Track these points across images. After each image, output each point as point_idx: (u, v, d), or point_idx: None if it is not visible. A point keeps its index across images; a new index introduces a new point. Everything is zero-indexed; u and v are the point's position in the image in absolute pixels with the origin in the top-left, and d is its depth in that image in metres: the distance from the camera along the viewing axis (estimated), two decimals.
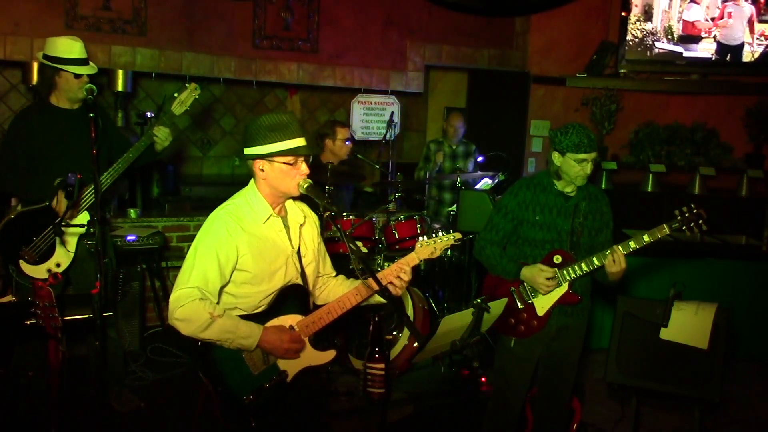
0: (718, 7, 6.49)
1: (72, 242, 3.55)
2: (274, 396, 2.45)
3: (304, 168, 2.43)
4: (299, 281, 2.55)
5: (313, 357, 2.54)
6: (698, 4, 6.50)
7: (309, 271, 2.60)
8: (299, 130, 2.42)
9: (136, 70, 5.40)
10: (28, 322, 2.48)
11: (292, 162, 2.40)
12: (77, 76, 3.50)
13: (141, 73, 5.58)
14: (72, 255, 3.53)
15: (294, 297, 2.51)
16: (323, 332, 2.58)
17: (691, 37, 6.52)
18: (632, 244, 2.89)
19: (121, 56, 5.26)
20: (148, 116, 5.47)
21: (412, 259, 2.57)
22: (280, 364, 2.48)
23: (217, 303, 2.41)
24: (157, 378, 4.28)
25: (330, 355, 2.58)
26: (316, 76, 5.99)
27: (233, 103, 7.36)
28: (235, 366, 2.41)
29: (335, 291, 2.70)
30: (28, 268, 3.45)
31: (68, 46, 3.50)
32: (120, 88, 5.46)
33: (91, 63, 3.58)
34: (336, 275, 2.81)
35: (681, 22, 6.52)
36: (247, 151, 2.42)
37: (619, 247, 2.89)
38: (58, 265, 3.50)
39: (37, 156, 3.51)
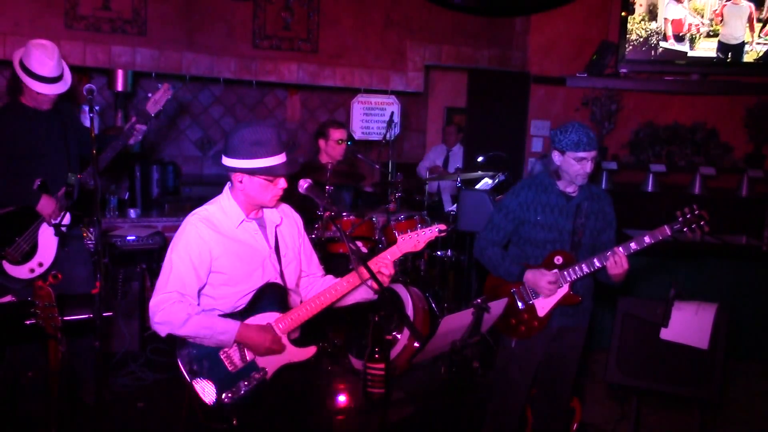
0: (715, 8, 6.49)
1: (54, 242, 3.54)
2: (254, 394, 2.45)
3: (282, 183, 2.45)
4: (279, 280, 2.55)
5: (293, 354, 2.53)
6: (680, 2, 6.48)
7: (289, 270, 2.60)
8: (280, 147, 2.42)
9: (136, 70, 5.40)
10: (28, 322, 2.48)
11: (271, 179, 2.42)
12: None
13: (141, 73, 5.58)
14: (54, 255, 3.53)
15: (271, 295, 2.51)
16: (304, 329, 2.59)
17: (680, 35, 6.51)
18: (633, 245, 2.89)
19: (121, 56, 5.26)
20: (151, 116, 5.47)
21: (394, 252, 2.55)
22: (259, 362, 2.48)
23: (198, 304, 2.44)
24: (157, 378, 4.28)
25: (310, 351, 2.57)
26: (316, 76, 5.99)
27: (233, 103, 7.36)
28: (212, 365, 2.44)
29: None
30: (11, 268, 3.45)
31: (41, 63, 3.45)
32: (120, 87, 5.45)
33: (64, 78, 3.53)
34: (324, 275, 2.79)
35: (667, 22, 6.51)
36: (228, 161, 2.42)
37: (620, 248, 2.89)
38: (40, 265, 3.51)
39: (15, 158, 3.49)
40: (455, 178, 5.09)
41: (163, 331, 2.39)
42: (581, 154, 2.90)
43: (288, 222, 2.65)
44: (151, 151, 6.65)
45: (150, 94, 3.66)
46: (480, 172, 5.44)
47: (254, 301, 2.49)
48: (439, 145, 7.15)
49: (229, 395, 2.42)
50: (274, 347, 2.45)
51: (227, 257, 2.44)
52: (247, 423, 2.43)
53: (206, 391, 2.42)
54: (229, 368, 2.46)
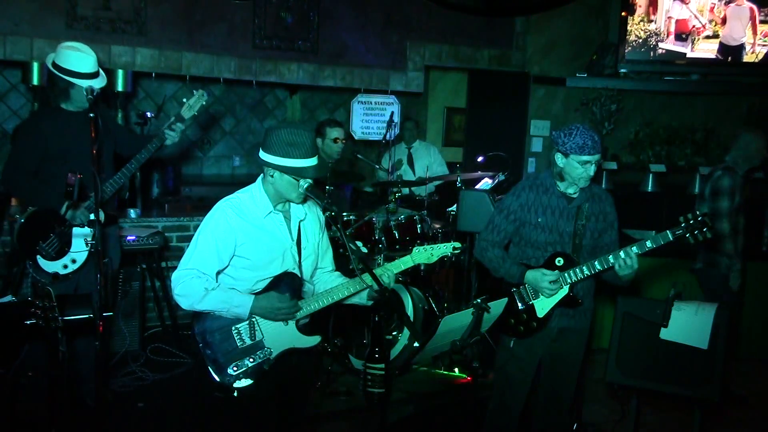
0: (716, 5, 6.46)
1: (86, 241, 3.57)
2: (257, 370, 2.61)
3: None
4: (296, 271, 2.71)
5: (298, 339, 2.69)
6: (686, 3, 6.47)
7: (307, 263, 2.76)
8: (313, 150, 2.60)
9: (136, 70, 5.40)
10: (28, 322, 2.49)
11: (299, 179, 2.58)
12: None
13: (141, 73, 5.58)
14: (87, 252, 3.56)
15: (287, 283, 2.66)
16: (312, 319, 2.76)
17: (682, 35, 6.50)
18: (635, 249, 2.88)
19: (121, 56, 5.26)
20: (148, 116, 5.48)
21: (406, 262, 2.75)
22: (266, 342, 2.64)
23: (217, 283, 2.62)
24: (157, 378, 4.29)
25: (314, 339, 2.74)
26: (316, 76, 5.98)
27: (233, 103, 7.37)
28: (223, 338, 2.60)
29: (328, 285, 2.80)
30: (45, 264, 3.52)
31: (82, 60, 3.53)
32: (120, 88, 5.46)
33: (102, 74, 3.63)
34: (332, 270, 2.93)
35: (671, 20, 6.49)
36: (263, 156, 2.60)
37: (633, 247, 2.87)
38: (74, 261, 3.58)
39: (49, 159, 3.56)
40: (455, 178, 5.09)
41: (183, 303, 2.57)
42: (586, 158, 2.90)
43: (312, 217, 2.79)
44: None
45: (185, 100, 3.76)
46: (480, 172, 5.45)
47: (270, 287, 2.65)
48: (399, 144, 6.70)
49: (234, 368, 2.58)
50: (283, 307, 2.59)
51: (251, 244, 2.61)
52: (247, 396, 2.59)
53: (213, 361, 2.58)
54: (238, 343, 2.61)
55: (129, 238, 4.54)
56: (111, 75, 5.47)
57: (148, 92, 6.80)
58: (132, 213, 5.15)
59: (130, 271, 4.59)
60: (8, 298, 2.91)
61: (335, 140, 4.62)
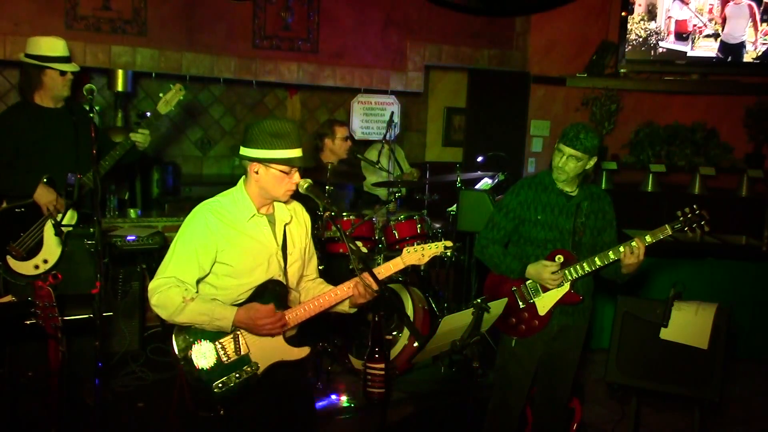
0: (714, 5, 6.46)
1: (59, 240, 3.55)
2: (244, 387, 2.47)
3: (297, 178, 2.50)
4: (281, 278, 2.59)
5: (286, 352, 2.56)
6: (686, 4, 6.47)
7: (293, 269, 2.64)
8: (298, 141, 2.49)
9: (136, 70, 5.40)
10: (28, 322, 2.49)
11: (287, 171, 2.47)
12: (63, 73, 3.56)
13: (141, 73, 5.58)
14: (59, 252, 3.54)
15: (272, 291, 2.54)
16: (300, 329, 2.64)
17: (683, 35, 6.50)
18: (634, 244, 2.89)
19: (121, 56, 5.26)
20: (148, 116, 5.47)
21: (397, 264, 2.63)
22: (252, 356, 2.50)
23: (197, 292, 2.47)
24: (157, 378, 4.28)
25: (304, 351, 2.60)
26: (316, 76, 5.98)
27: (233, 103, 7.35)
28: (205, 354, 2.46)
29: (312, 293, 2.73)
30: (15, 264, 3.47)
31: (51, 45, 3.57)
32: (120, 88, 5.45)
33: (72, 62, 3.64)
34: (315, 278, 2.84)
35: (672, 20, 6.49)
36: (245, 151, 2.48)
37: (632, 242, 2.88)
38: (45, 261, 3.53)
39: (21, 154, 3.54)
40: (455, 177, 5.09)
41: (160, 314, 2.43)
42: (561, 146, 2.94)
43: (298, 221, 2.69)
44: (151, 151, 6.64)
45: (161, 94, 3.72)
46: (480, 172, 5.44)
47: (254, 296, 2.52)
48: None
49: (219, 385, 2.44)
50: (267, 321, 2.43)
51: (234, 250, 2.48)
52: (234, 415, 2.46)
53: (197, 379, 2.45)
54: (222, 359, 2.47)
55: (129, 238, 4.54)
56: (111, 75, 5.48)
57: (148, 92, 6.79)
58: (132, 213, 5.15)
59: (130, 271, 4.59)
60: (8, 298, 2.91)
61: (345, 138, 4.65)
